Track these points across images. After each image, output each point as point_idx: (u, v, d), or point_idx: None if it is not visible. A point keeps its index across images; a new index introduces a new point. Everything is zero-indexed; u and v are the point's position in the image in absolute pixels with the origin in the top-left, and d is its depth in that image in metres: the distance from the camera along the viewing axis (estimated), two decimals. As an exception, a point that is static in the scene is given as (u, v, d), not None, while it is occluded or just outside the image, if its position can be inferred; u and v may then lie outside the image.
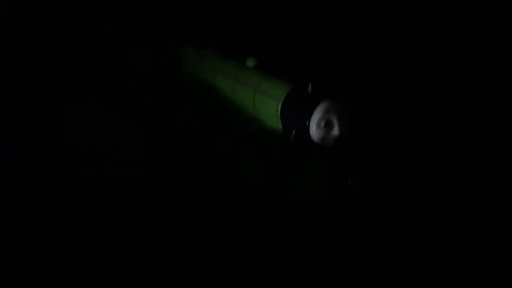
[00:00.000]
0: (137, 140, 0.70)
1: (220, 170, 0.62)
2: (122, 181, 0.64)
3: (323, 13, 0.75)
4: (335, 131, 0.51)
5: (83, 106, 0.74)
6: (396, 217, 0.60)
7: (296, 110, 0.52)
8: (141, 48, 0.72)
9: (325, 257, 0.55)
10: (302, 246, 0.56)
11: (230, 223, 0.59)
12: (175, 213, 0.61)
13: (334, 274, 0.54)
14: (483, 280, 0.54)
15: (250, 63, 0.58)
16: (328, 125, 0.51)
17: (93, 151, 0.69)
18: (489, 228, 0.59)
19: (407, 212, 0.61)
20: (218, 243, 0.58)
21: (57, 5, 0.81)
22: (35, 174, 0.65)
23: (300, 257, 0.55)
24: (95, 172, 0.66)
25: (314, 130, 0.51)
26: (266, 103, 0.55)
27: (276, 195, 0.57)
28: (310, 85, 0.51)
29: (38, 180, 0.65)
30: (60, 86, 0.77)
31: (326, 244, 0.56)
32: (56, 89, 0.77)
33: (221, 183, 0.62)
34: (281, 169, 0.56)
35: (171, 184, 0.63)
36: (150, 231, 0.59)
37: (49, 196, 0.63)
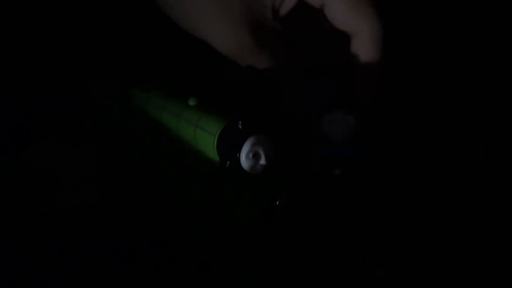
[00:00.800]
0: (90, 168, 0.73)
1: (169, 196, 0.67)
2: (77, 206, 0.66)
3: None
4: (262, 161, 0.59)
5: (39, 138, 0.77)
6: (395, 217, 0.62)
7: (228, 144, 0.60)
8: (95, 85, 0.78)
9: (324, 257, 0.57)
10: (302, 245, 0.59)
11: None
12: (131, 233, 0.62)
13: (333, 274, 0.55)
14: (483, 280, 0.54)
15: (191, 102, 0.65)
16: (255, 156, 0.59)
17: (49, 179, 0.71)
18: (489, 228, 0.60)
19: (407, 212, 0.63)
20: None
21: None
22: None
23: (299, 257, 0.57)
24: (52, 199, 0.68)
25: (244, 160, 0.59)
26: (205, 138, 0.62)
27: (216, 216, 0.63)
28: (240, 122, 0.59)
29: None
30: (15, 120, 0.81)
31: (326, 243, 0.59)
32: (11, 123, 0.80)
33: (170, 207, 0.66)
34: (220, 194, 0.62)
35: (123, 207, 0.66)
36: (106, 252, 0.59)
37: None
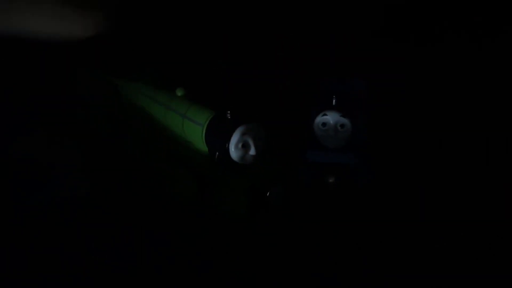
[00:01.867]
0: (81, 161, 0.72)
1: (159, 188, 0.66)
2: (67, 199, 0.65)
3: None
4: (252, 151, 0.58)
5: (30, 130, 0.77)
6: (395, 217, 0.62)
7: (217, 135, 0.58)
8: (86, 78, 0.77)
9: (324, 257, 0.56)
10: (301, 246, 0.58)
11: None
12: (121, 227, 0.60)
13: (333, 273, 0.54)
14: (483, 280, 0.53)
15: (179, 92, 0.64)
16: (245, 146, 0.58)
17: (40, 173, 0.70)
18: (489, 228, 0.59)
19: (407, 212, 0.62)
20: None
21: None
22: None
23: (298, 257, 0.56)
24: (43, 192, 0.67)
25: (233, 151, 0.58)
26: (193, 128, 0.61)
27: (207, 208, 0.62)
28: (228, 112, 0.58)
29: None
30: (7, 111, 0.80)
31: (325, 243, 0.58)
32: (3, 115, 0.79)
33: (161, 199, 0.65)
34: (210, 185, 0.61)
35: (115, 199, 0.65)
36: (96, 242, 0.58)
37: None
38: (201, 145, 0.61)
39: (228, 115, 0.58)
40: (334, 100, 0.64)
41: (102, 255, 0.57)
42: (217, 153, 0.59)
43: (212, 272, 0.55)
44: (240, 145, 0.57)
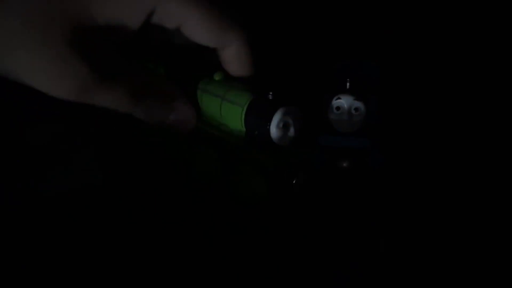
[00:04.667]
0: (94, 145, 0.73)
1: (181, 170, 0.67)
2: (81, 187, 0.65)
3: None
4: (291, 132, 0.60)
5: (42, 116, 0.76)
6: (395, 216, 0.62)
7: (258, 114, 0.60)
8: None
9: (324, 256, 0.57)
10: (300, 244, 0.58)
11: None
12: (138, 216, 0.61)
13: (333, 273, 0.55)
14: (483, 280, 0.54)
15: (217, 77, 0.66)
16: (285, 127, 0.60)
17: (53, 159, 0.71)
18: (489, 228, 0.59)
19: (407, 212, 0.63)
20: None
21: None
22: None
23: (297, 255, 0.57)
24: (55, 180, 0.67)
25: (274, 131, 0.60)
26: (232, 110, 0.63)
27: (230, 189, 0.63)
28: (270, 93, 0.60)
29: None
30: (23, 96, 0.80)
31: (325, 242, 0.59)
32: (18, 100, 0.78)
33: (183, 182, 0.66)
34: (235, 166, 0.62)
35: (132, 185, 0.66)
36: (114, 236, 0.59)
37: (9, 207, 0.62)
38: (239, 125, 0.63)
39: (270, 96, 0.60)
40: (348, 84, 0.65)
41: (125, 233, 0.58)
42: (256, 132, 0.61)
43: (228, 255, 0.57)
44: (281, 125, 0.60)
